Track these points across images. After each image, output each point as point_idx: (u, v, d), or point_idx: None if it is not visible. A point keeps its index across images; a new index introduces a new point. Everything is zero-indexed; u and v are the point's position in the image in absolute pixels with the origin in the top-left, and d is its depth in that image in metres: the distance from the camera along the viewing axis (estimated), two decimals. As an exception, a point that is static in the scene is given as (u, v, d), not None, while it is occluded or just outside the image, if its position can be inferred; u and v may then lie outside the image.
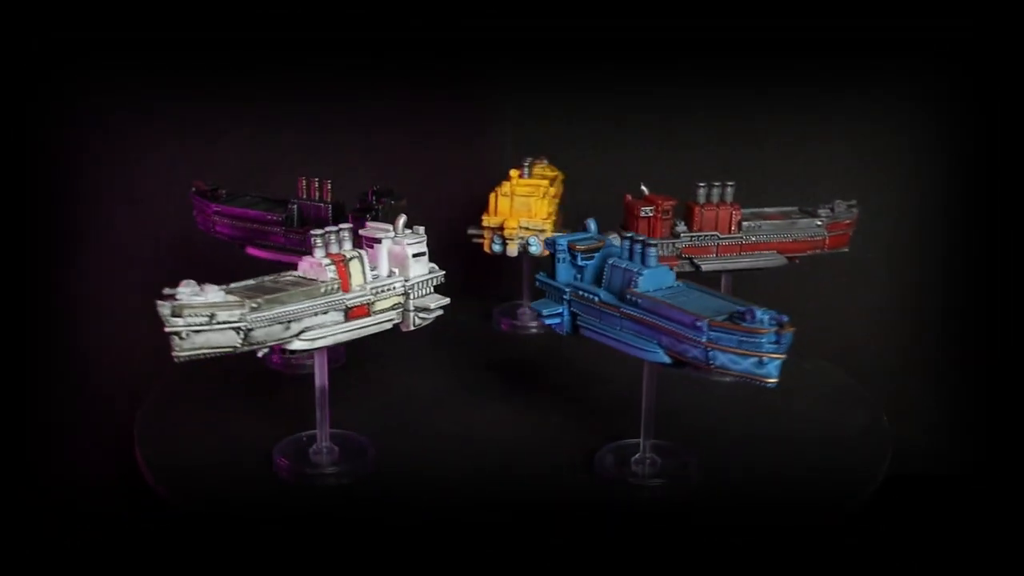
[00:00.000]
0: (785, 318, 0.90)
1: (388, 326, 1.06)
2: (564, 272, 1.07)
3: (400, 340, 1.11)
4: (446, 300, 1.09)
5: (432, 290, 1.09)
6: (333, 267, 1.01)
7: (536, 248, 1.36)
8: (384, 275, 1.06)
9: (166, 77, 1.47)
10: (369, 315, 1.04)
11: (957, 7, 1.44)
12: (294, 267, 1.03)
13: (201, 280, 0.93)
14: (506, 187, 1.37)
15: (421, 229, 1.09)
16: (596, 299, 1.03)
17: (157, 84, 1.48)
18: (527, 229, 1.37)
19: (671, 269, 1.04)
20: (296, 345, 0.98)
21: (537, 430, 1.20)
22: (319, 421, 1.07)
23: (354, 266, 1.03)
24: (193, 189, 1.35)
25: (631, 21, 1.53)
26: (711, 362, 0.93)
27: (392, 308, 1.06)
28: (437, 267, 1.11)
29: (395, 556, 0.95)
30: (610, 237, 1.11)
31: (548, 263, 1.10)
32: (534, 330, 1.51)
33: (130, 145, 1.51)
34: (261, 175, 1.48)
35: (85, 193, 1.53)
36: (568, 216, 1.44)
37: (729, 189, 1.30)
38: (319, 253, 1.02)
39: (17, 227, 1.50)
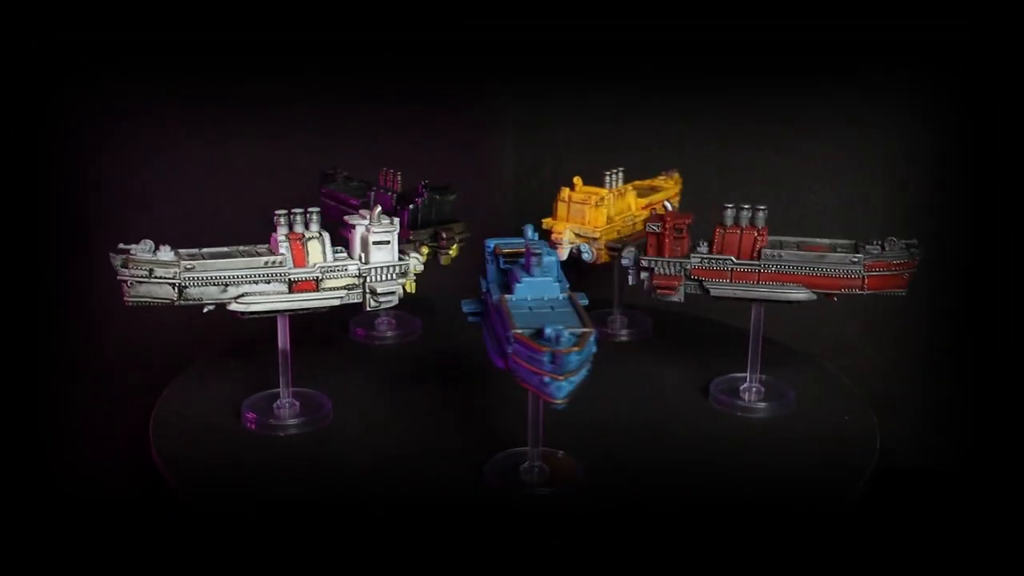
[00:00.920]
0: (571, 339, 0.89)
1: (336, 303, 1.18)
2: (492, 273, 1.12)
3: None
4: (398, 285, 1.19)
5: (396, 277, 1.19)
6: (287, 244, 1.15)
7: (588, 255, 1.39)
8: (353, 258, 1.18)
9: (174, 79, 1.54)
10: (317, 291, 1.17)
11: (948, 11, 1.50)
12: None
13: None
14: (565, 194, 1.41)
15: (392, 220, 1.19)
16: (489, 301, 1.06)
17: (167, 86, 1.55)
18: (580, 236, 1.40)
19: (563, 284, 1.04)
20: (233, 307, 1.14)
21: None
22: (282, 382, 1.22)
23: (313, 245, 1.17)
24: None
25: (633, 22, 1.56)
26: (515, 374, 0.94)
27: (346, 288, 1.18)
28: (418, 258, 1.21)
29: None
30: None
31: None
32: (624, 338, 1.53)
33: (144, 145, 1.57)
34: (263, 178, 1.59)
35: (101, 194, 1.58)
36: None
37: (761, 213, 1.23)
38: (281, 231, 1.16)
39: (37, 227, 1.54)
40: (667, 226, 1.23)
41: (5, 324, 1.49)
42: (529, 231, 1.12)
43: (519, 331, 0.92)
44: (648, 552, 0.99)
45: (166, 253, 1.12)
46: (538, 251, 1.03)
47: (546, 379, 0.89)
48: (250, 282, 1.14)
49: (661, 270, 1.24)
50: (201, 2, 1.48)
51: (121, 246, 1.12)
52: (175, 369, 1.35)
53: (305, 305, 1.17)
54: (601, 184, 1.43)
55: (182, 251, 1.14)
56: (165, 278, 1.11)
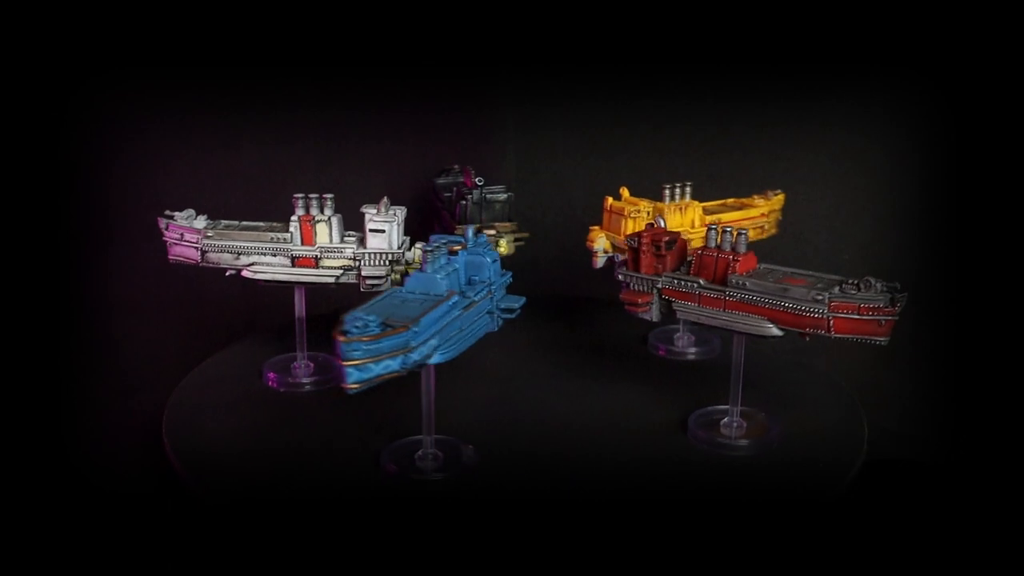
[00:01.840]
0: (375, 328, 0.96)
1: (329, 280, 1.32)
2: None
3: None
4: (383, 271, 1.30)
5: (385, 263, 1.31)
6: (298, 224, 1.32)
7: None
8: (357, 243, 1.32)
9: (186, 93, 1.61)
10: (316, 267, 1.32)
11: (936, 19, 1.54)
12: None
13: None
14: (608, 203, 1.42)
15: (398, 211, 1.31)
16: None
17: (178, 100, 1.61)
18: (614, 247, 1.41)
19: (454, 284, 1.09)
20: (246, 273, 1.33)
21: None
22: (298, 345, 1.39)
23: (321, 228, 1.32)
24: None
25: (633, 27, 1.55)
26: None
27: (342, 268, 1.32)
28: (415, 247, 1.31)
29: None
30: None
31: None
32: (692, 356, 1.50)
33: (161, 154, 1.63)
34: (267, 183, 1.67)
35: (119, 200, 1.62)
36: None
37: (742, 237, 1.18)
38: (298, 212, 1.33)
39: (57, 229, 1.57)
40: (644, 241, 1.21)
41: (25, 319, 1.56)
42: (469, 232, 1.18)
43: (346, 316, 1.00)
44: (647, 550, 1.02)
45: (200, 222, 1.33)
46: (430, 250, 1.09)
47: (340, 363, 0.97)
48: (258, 253, 1.32)
49: (635, 286, 1.22)
50: (203, 6, 1.57)
51: (167, 212, 1.35)
52: (191, 362, 1.45)
53: (303, 279, 1.32)
54: (660, 198, 1.42)
55: (212, 221, 1.34)
56: (191, 243, 1.32)
